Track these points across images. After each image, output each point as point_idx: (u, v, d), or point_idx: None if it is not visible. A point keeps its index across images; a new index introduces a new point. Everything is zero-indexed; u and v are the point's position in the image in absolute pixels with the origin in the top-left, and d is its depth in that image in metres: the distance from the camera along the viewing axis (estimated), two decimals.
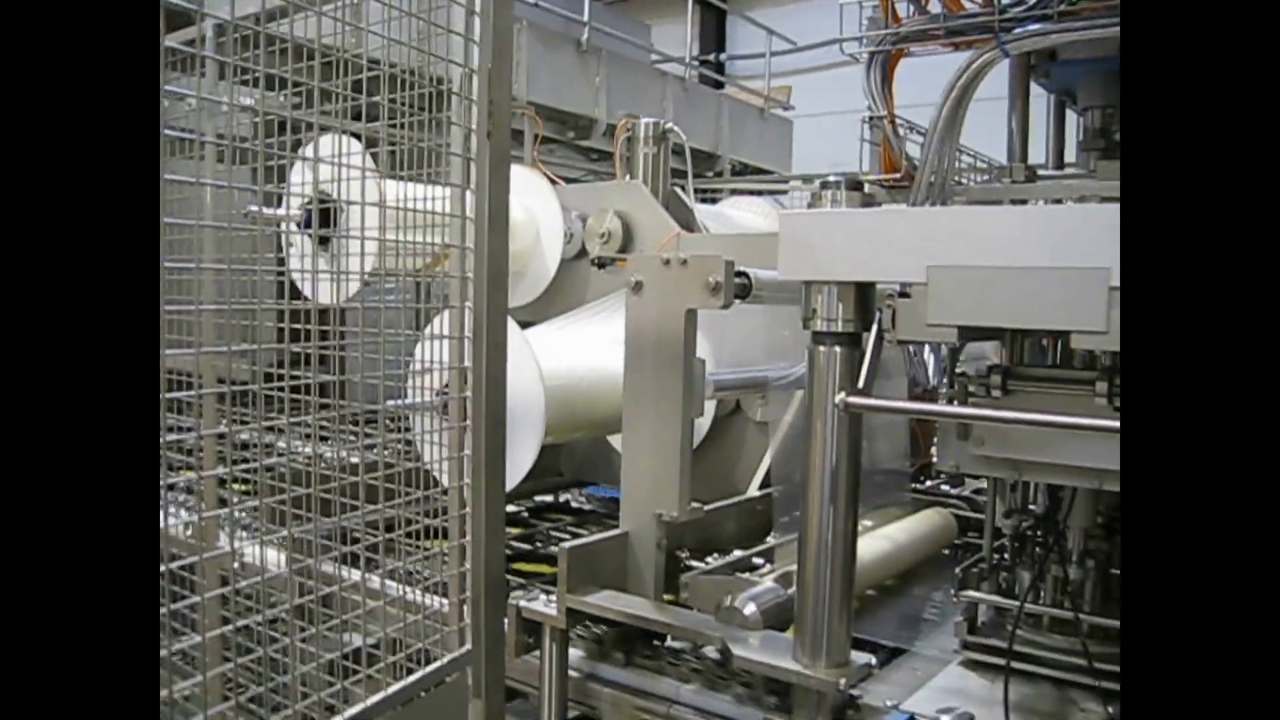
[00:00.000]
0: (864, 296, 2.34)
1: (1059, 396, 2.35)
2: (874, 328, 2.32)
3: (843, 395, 2.26)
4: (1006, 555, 2.80)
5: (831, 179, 2.37)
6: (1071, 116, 2.89)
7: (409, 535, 2.45)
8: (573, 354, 3.75)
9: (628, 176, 4.60)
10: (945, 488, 4.14)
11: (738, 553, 3.18)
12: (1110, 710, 2.31)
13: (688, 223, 4.46)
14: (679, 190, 4.61)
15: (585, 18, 8.11)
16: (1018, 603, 2.65)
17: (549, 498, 4.67)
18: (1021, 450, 2.39)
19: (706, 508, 3.13)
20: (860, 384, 2.28)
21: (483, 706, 2.45)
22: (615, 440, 4.36)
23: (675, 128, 4.48)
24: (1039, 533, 2.77)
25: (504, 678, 2.59)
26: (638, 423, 3.01)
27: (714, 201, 6.60)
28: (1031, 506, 2.81)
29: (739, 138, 9.69)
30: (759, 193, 7.16)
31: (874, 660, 2.49)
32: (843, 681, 2.37)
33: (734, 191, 6.96)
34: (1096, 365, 2.41)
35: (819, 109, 11.65)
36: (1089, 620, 2.58)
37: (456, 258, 2.47)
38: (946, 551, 3.62)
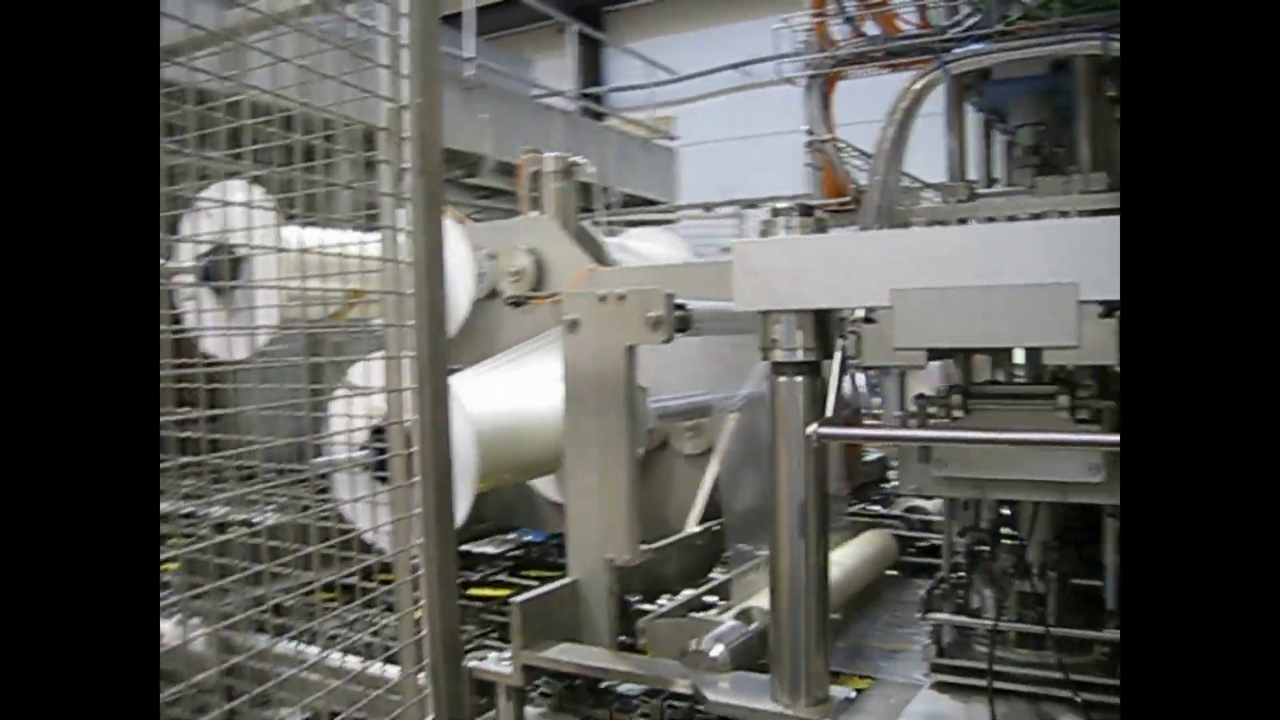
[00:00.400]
0: (823, 324, 2.28)
1: (1020, 413, 2.32)
2: (837, 355, 2.26)
3: (815, 427, 2.19)
4: (963, 574, 2.77)
5: (781, 205, 2.32)
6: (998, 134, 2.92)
7: (359, 603, 2.29)
8: (499, 398, 3.61)
9: (535, 213, 4.49)
10: (876, 508, 4.12)
11: (687, 592, 3.08)
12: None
13: (599, 256, 4.38)
14: (587, 225, 4.52)
15: (468, 54, 7.98)
16: (983, 622, 2.61)
17: (470, 547, 4.49)
18: (985, 469, 2.35)
19: (651, 547, 3.03)
20: (828, 413, 2.22)
21: None
22: (539, 484, 4.23)
23: (583, 161, 4.39)
24: (995, 549, 2.75)
25: None
26: (581, 465, 2.89)
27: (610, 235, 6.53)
28: (984, 526, 2.79)
29: (625, 169, 9.66)
30: (657, 223, 7.12)
31: (853, 693, 2.42)
32: (827, 719, 2.30)
33: (629, 223, 6.92)
34: (1051, 378, 2.39)
35: (701, 137, 11.78)
36: (1057, 633, 2.56)
37: (391, 304, 2.32)
38: (890, 572, 3.60)
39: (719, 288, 3.07)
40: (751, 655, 2.68)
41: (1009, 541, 2.72)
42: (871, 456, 4.55)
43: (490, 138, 7.86)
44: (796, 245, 2.25)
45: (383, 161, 2.26)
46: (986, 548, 2.77)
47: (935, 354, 2.14)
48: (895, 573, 3.64)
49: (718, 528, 3.49)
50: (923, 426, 2.41)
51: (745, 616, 2.77)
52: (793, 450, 2.28)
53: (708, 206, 8.14)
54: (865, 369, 2.24)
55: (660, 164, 10.85)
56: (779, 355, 2.27)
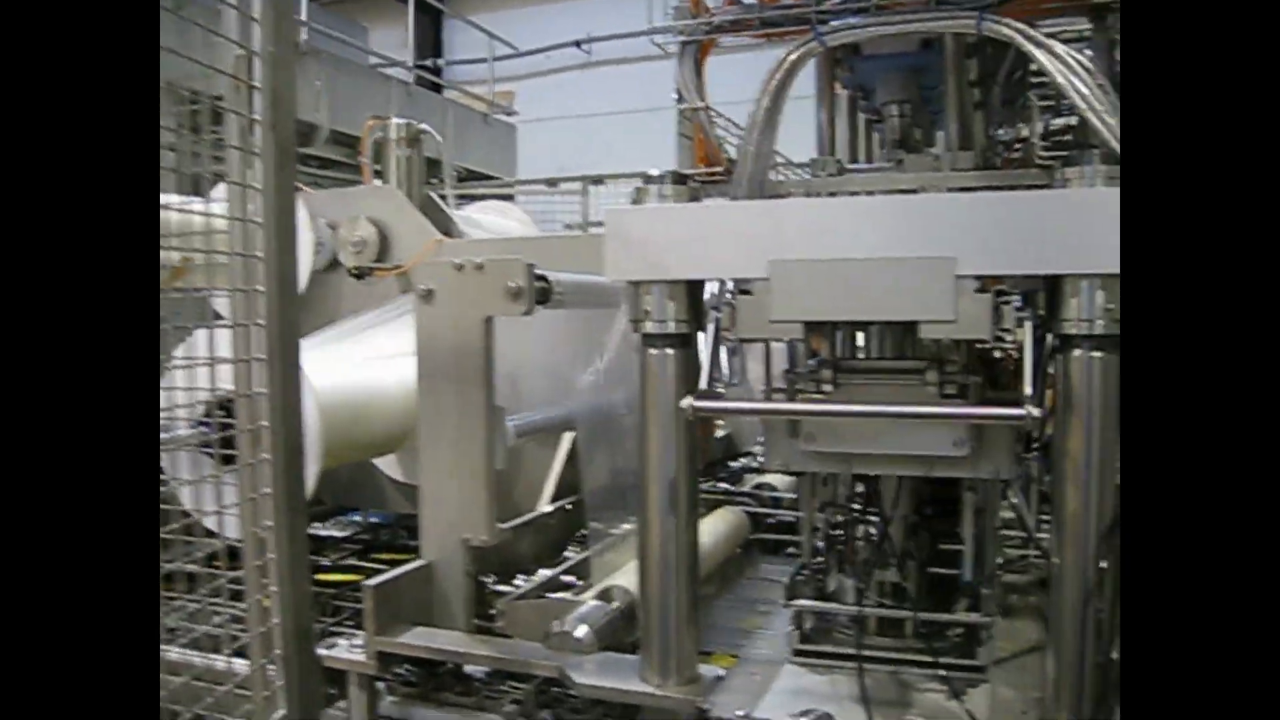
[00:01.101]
0: (695, 295, 2.22)
1: (889, 388, 2.31)
2: (711, 327, 2.20)
3: (689, 400, 2.12)
4: (822, 558, 2.75)
5: (653, 173, 2.23)
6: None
7: (203, 592, 2.10)
8: (343, 370, 3.42)
9: (378, 182, 4.29)
10: (724, 486, 4.10)
11: (544, 572, 2.98)
12: (961, 697, 2.30)
13: (446, 228, 4.21)
14: (434, 195, 4.34)
15: (301, 16, 7.59)
16: (846, 609, 2.61)
17: (312, 530, 4.26)
18: (853, 443, 2.34)
19: (507, 526, 2.92)
20: (703, 385, 2.16)
21: None
22: (382, 463, 4.04)
23: (430, 129, 4.21)
24: (854, 526, 2.75)
25: None
26: (436, 442, 2.75)
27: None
28: (842, 502, 2.79)
29: (464, 144, 9.41)
30: (499, 198, 6.95)
31: (721, 672, 2.37)
32: (699, 698, 2.24)
33: (469, 197, 6.71)
34: (922, 353, 2.39)
35: (541, 113, 11.61)
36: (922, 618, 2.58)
37: (239, 268, 2.13)
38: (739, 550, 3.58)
39: (576, 261, 2.99)
40: (617, 635, 2.60)
41: (867, 518, 2.73)
42: (720, 434, 4.54)
43: (324, 106, 7.52)
44: (671, 214, 2.17)
45: (232, 112, 2.06)
46: (845, 525, 2.77)
47: (811, 327, 2.10)
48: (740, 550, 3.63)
49: (570, 506, 3.40)
50: (792, 401, 2.38)
51: (607, 596, 2.69)
52: (664, 424, 2.20)
53: (552, 182, 8.00)
54: (740, 341, 2.18)
55: (500, 139, 10.64)
56: (650, 327, 2.19)
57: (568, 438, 3.50)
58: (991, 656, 2.51)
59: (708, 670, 2.33)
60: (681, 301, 2.18)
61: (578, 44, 12.88)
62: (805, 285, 2.05)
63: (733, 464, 4.34)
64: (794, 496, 3.61)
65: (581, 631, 2.49)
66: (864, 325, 2.43)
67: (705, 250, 2.12)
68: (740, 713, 2.34)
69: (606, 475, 3.32)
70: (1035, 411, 1.93)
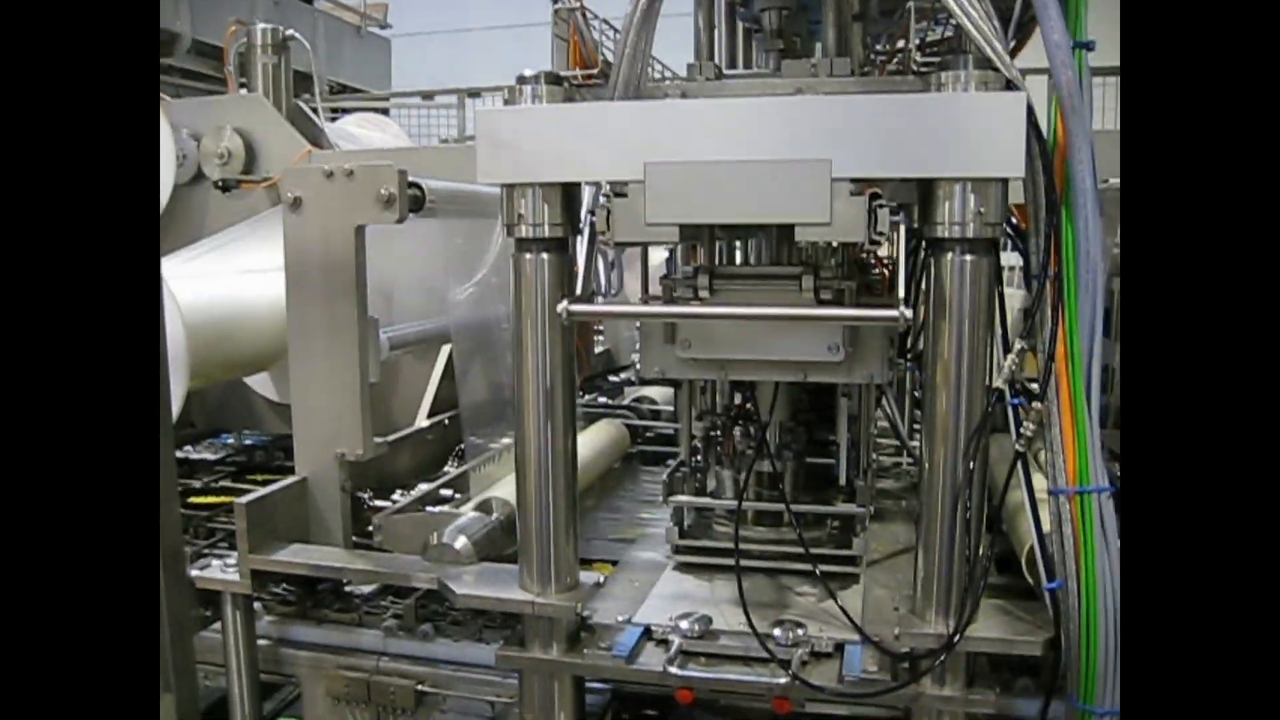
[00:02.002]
0: (570, 198, 2.15)
1: (765, 293, 2.29)
2: (586, 230, 2.14)
3: (565, 304, 2.06)
4: (700, 457, 2.75)
5: (527, 74, 2.14)
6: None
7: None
8: (210, 287, 3.26)
9: (244, 91, 4.08)
10: (604, 400, 4.09)
11: (423, 486, 2.92)
12: (835, 594, 2.33)
13: (316, 139, 4.04)
14: (303, 105, 4.15)
15: None
16: (726, 503, 2.61)
17: (186, 453, 4.10)
18: (729, 349, 2.32)
19: (384, 440, 2.84)
20: (579, 290, 2.10)
21: (173, 701, 2.05)
22: (255, 382, 3.91)
23: (298, 35, 4.00)
24: (732, 432, 2.75)
25: (195, 663, 2.19)
26: (308, 356, 2.64)
27: None
28: (719, 411, 2.79)
29: (336, 57, 9.03)
30: (373, 110, 6.70)
31: (601, 578, 2.36)
32: (579, 605, 2.22)
33: (341, 111, 6.45)
34: (799, 260, 2.38)
35: (417, 27, 11.20)
36: (797, 509, 2.59)
37: None
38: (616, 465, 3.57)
39: (451, 172, 2.88)
40: (496, 546, 2.57)
41: (745, 425, 2.73)
42: (599, 349, 4.51)
43: (185, 14, 7.10)
44: (545, 115, 2.08)
45: None
46: (723, 429, 2.77)
47: (687, 230, 2.06)
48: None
49: (448, 422, 3.34)
50: (672, 299, 2.34)
51: (485, 508, 2.65)
52: (539, 331, 2.14)
53: (427, 95, 7.73)
54: (616, 246, 2.13)
55: (373, 54, 10.25)
56: (524, 231, 2.12)
57: (445, 351, 3.42)
58: (866, 548, 2.55)
59: (587, 577, 2.31)
60: (556, 205, 2.11)
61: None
62: (680, 188, 2.00)
63: (612, 379, 4.32)
64: (673, 410, 3.61)
65: (460, 543, 2.45)
66: (741, 232, 2.40)
67: (579, 152, 2.05)
68: (620, 618, 2.34)
69: (484, 390, 3.26)
70: (907, 313, 1.94)
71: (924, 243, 2.08)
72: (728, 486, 2.64)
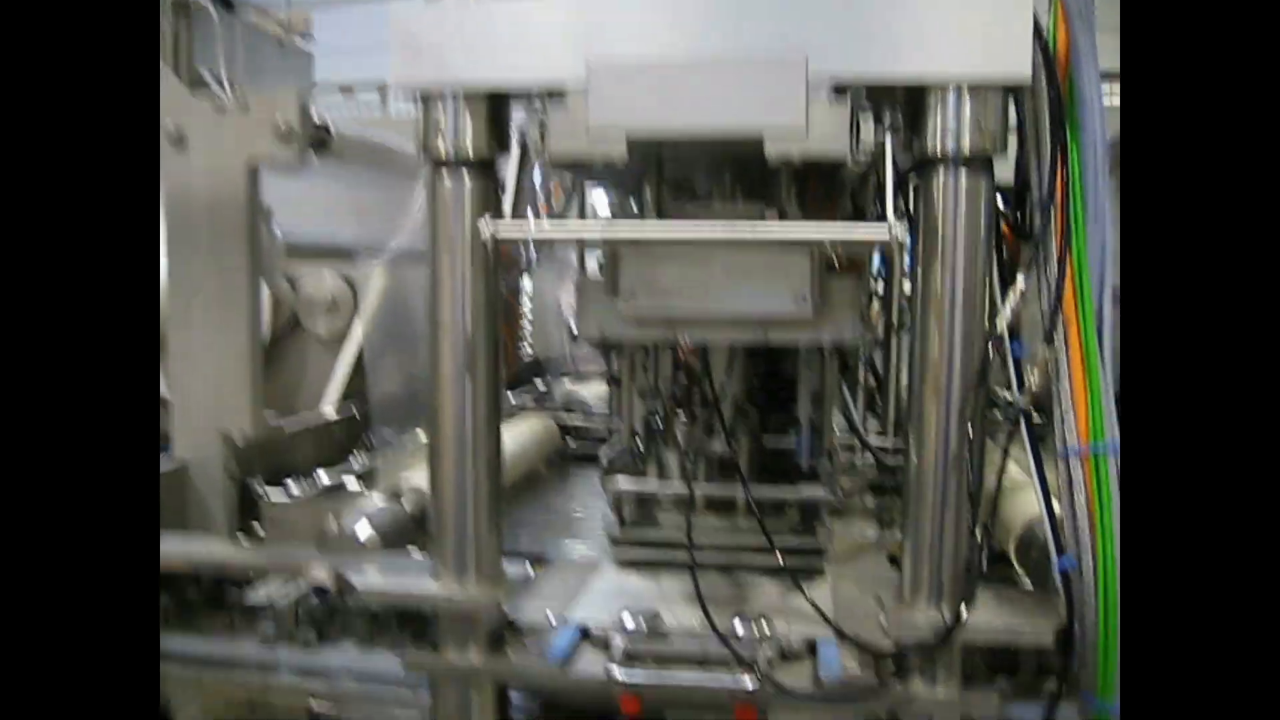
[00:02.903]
0: (498, 110, 1.78)
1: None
2: (515, 147, 1.78)
3: (489, 221, 1.69)
4: (641, 445, 2.39)
5: None
6: None
7: None
8: None
9: None
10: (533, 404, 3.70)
11: (324, 475, 2.50)
12: (803, 587, 1.97)
13: None
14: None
15: None
16: (668, 489, 2.25)
17: None
18: (679, 303, 1.97)
19: (279, 422, 2.44)
20: (506, 212, 1.73)
21: None
22: None
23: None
24: (677, 413, 2.40)
25: None
26: (189, 316, 2.23)
27: None
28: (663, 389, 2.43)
29: (255, 69, 8.55)
30: None
31: (530, 570, 1.97)
32: (502, 598, 1.83)
33: None
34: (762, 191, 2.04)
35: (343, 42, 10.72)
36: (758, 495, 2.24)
37: None
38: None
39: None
40: (406, 539, 2.17)
41: (693, 402, 2.38)
42: (528, 359, 4.13)
43: None
44: (468, 9, 1.72)
45: None
46: (667, 411, 2.42)
47: (637, 142, 1.71)
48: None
49: (358, 414, 2.93)
50: (617, 250, 1.99)
51: (395, 495, 2.25)
52: (458, 264, 1.77)
53: (346, 89, 7.29)
54: (551, 164, 1.78)
55: (295, 68, 9.72)
56: (443, 149, 1.75)
57: (356, 340, 3.02)
58: (830, 538, 2.21)
59: (514, 568, 1.93)
60: (481, 119, 1.75)
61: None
62: (630, 90, 1.65)
63: (540, 383, 3.93)
64: (606, 413, 3.25)
65: (363, 531, 2.05)
66: (697, 160, 2.06)
67: (509, 51, 1.70)
68: (552, 617, 1.96)
69: (398, 381, 2.87)
70: (899, 231, 1.60)
71: (912, 173, 1.75)
72: (674, 471, 2.28)
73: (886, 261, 3.05)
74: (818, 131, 1.63)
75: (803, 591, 1.95)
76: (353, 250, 2.79)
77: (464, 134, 1.74)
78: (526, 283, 4.04)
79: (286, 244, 2.75)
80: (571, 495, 2.92)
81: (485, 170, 1.78)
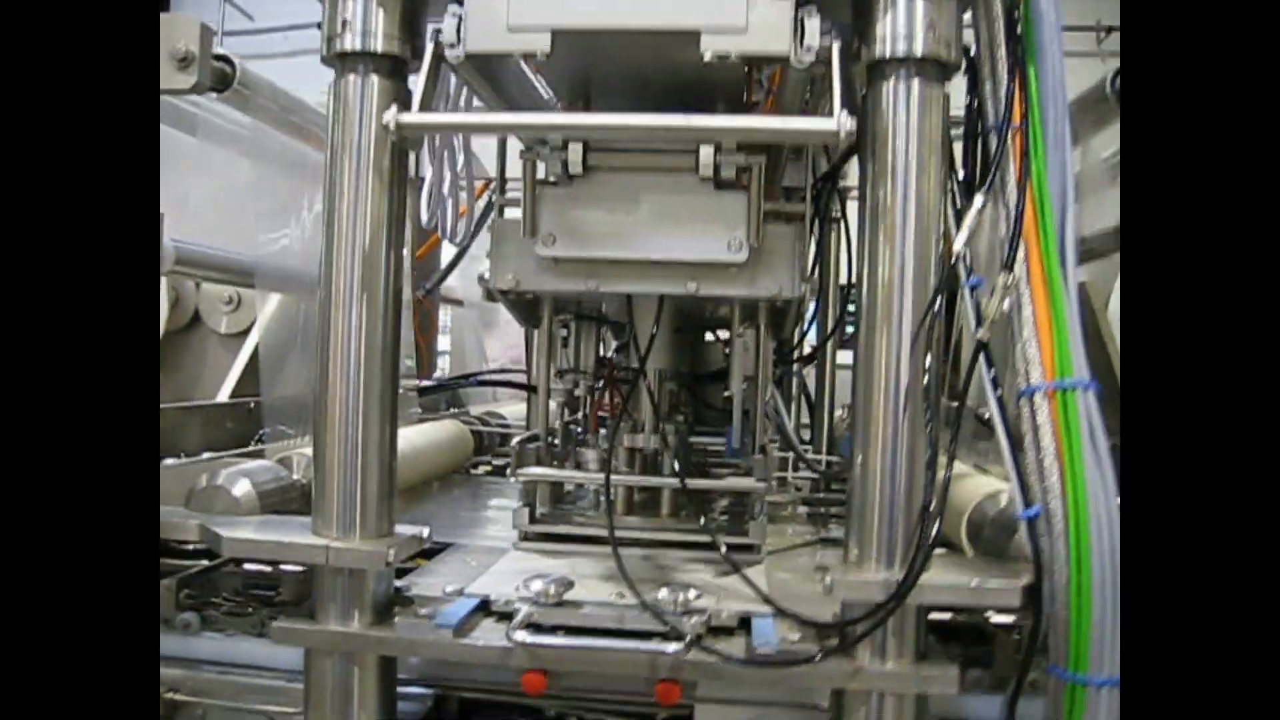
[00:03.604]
0: (412, 10, 1.59)
1: (654, 171, 1.77)
2: (430, 46, 1.58)
3: (393, 112, 1.48)
4: (558, 440, 2.15)
5: None
6: None
7: None
8: None
9: None
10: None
11: (206, 455, 2.22)
12: (733, 562, 1.74)
13: None
14: None
15: None
16: (588, 476, 2.03)
17: None
18: (603, 245, 1.78)
19: (167, 406, 2.16)
20: (415, 107, 1.53)
21: None
22: None
23: None
24: (600, 395, 2.18)
25: None
26: None
27: None
28: (585, 370, 2.22)
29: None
30: None
31: (425, 531, 1.70)
32: (391, 552, 1.56)
33: None
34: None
35: None
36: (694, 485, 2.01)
37: None
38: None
39: None
40: (291, 506, 1.90)
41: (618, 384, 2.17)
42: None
43: None
44: None
45: None
46: (589, 391, 2.20)
47: (563, 40, 1.52)
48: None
49: (253, 406, 2.66)
50: (534, 185, 1.79)
51: (286, 463, 1.98)
52: (360, 168, 1.55)
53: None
54: (468, 58, 1.58)
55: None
56: (349, 42, 1.55)
57: (255, 335, 2.76)
58: (764, 534, 1.98)
59: (407, 530, 1.66)
60: (394, 11, 1.56)
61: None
62: None
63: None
64: (523, 425, 3.02)
65: (239, 487, 1.77)
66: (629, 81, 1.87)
67: None
68: (450, 588, 1.69)
69: (295, 384, 2.61)
70: (848, 123, 1.42)
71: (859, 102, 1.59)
72: (592, 467, 2.06)
73: (821, 251, 2.90)
74: (758, 29, 1.47)
75: (735, 566, 1.71)
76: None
77: (374, 26, 1.55)
78: (444, 316, 3.83)
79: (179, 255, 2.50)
80: (484, 503, 2.65)
81: (395, 68, 1.58)
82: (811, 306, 2.89)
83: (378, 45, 1.55)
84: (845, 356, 3.11)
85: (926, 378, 1.49)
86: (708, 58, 1.49)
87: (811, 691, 1.65)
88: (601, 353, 2.34)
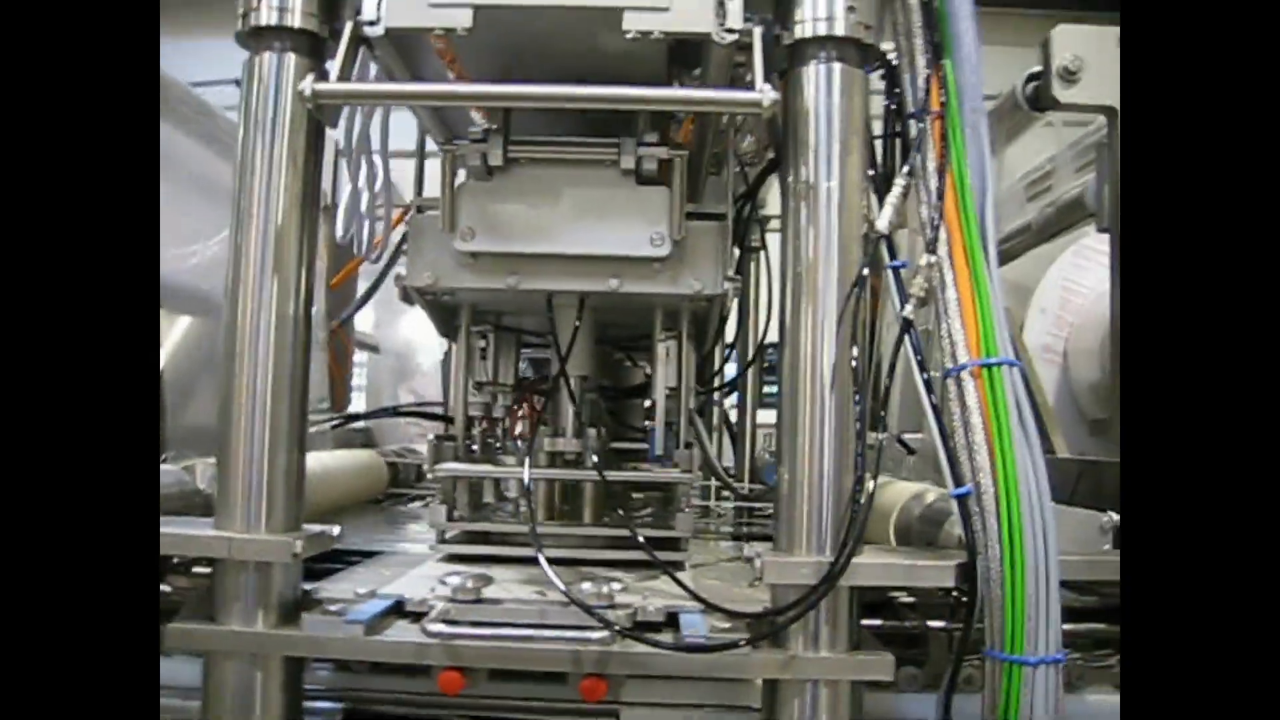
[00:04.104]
0: None
1: (574, 165, 1.75)
2: (350, 23, 1.53)
3: (310, 81, 1.42)
4: (476, 447, 2.08)
5: None
6: None
7: None
8: None
9: None
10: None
11: None
12: (660, 561, 1.66)
13: None
14: None
15: None
16: (508, 471, 1.96)
17: None
18: (524, 240, 1.74)
19: None
20: (333, 77, 1.47)
21: None
22: None
23: None
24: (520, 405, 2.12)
25: None
26: None
27: None
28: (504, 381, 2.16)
29: None
30: None
31: (337, 530, 1.60)
32: (299, 544, 1.46)
33: None
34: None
35: None
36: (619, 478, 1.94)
37: None
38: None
39: None
40: (192, 513, 1.78)
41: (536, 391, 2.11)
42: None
43: None
44: None
45: None
46: (510, 403, 2.14)
47: (483, 13, 1.49)
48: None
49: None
50: (452, 179, 1.75)
51: (189, 471, 1.87)
52: (274, 142, 1.49)
53: None
54: (387, 34, 1.53)
55: None
56: (265, 15, 1.49)
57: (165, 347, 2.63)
58: (690, 528, 1.92)
59: (315, 527, 1.56)
60: None
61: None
62: None
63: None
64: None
65: None
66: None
67: None
68: (362, 590, 1.59)
69: (203, 414, 2.49)
70: (771, 93, 1.41)
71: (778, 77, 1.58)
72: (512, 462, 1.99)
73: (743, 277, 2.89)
74: (680, 7, 1.46)
75: (661, 565, 1.64)
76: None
77: (291, 1, 1.50)
78: (360, 357, 3.73)
79: None
80: (401, 526, 2.53)
81: (313, 47, 1.52)
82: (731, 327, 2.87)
83: (295, 20, 1.50)
84: (767, 415, 3.11)
85: (854, 359, 1.47)
86: (630, 35, 1.47)
87: (742, 691, 1.58)
88: (520, 373, 2.28)
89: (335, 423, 2.95)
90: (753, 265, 3.01)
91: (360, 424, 3.45)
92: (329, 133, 1.62)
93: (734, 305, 2.54)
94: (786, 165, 1.53)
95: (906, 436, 2.56)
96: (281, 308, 1.49)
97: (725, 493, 2.74)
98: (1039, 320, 3.11)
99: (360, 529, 2.35)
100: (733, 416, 3.19)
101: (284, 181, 1.50)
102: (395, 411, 3.29)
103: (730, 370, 2.97)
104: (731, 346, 2.91)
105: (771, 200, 2.71)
